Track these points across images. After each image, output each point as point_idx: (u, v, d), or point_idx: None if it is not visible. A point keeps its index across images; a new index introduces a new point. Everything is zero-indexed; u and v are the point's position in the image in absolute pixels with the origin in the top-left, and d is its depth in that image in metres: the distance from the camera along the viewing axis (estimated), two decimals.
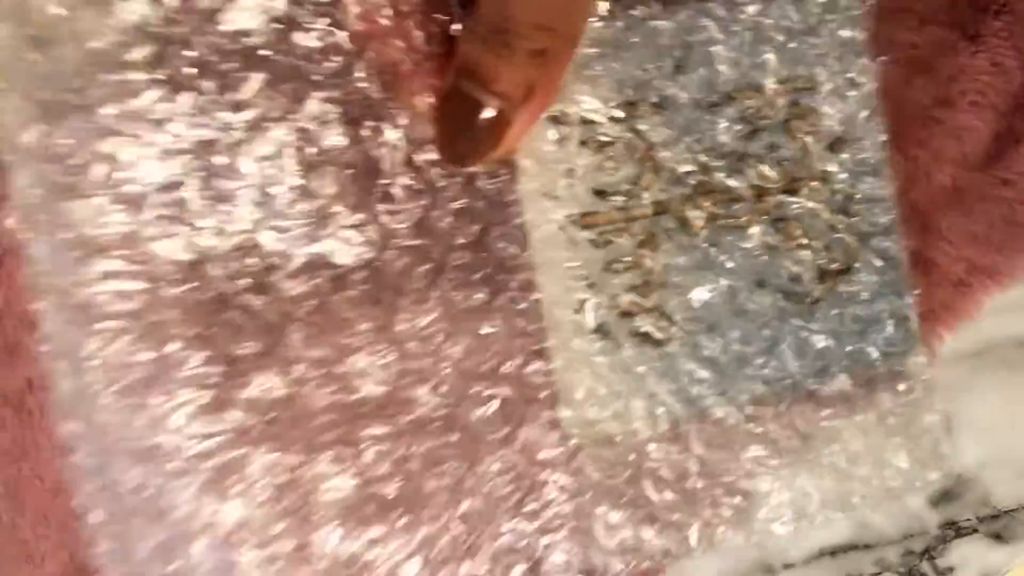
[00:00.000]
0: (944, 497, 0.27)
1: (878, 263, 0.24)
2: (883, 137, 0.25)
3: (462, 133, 0.19)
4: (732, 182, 0.23)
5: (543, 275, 0.22)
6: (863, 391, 0.24)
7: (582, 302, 0.23)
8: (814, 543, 0.28)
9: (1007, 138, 0.26)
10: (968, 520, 0.27)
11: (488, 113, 0.19)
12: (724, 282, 0.23)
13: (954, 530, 0.27)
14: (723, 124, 0.23)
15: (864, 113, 0.25)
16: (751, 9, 0.23)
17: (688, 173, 0.23)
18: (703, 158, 0.23)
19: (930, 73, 0.27)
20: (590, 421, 0.23)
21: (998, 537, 0.27)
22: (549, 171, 0.22)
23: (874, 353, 0.24)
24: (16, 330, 0.34)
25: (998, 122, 0.26)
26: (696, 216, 0.23)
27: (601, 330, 0.23)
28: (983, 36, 0.26)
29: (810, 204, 0.24)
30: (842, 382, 0.24)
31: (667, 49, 0.23)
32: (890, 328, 0.24)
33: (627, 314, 0.23)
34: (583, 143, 0.22)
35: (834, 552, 0.28)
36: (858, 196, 0.24)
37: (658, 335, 0.23)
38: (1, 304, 0.35)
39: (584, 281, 0.23)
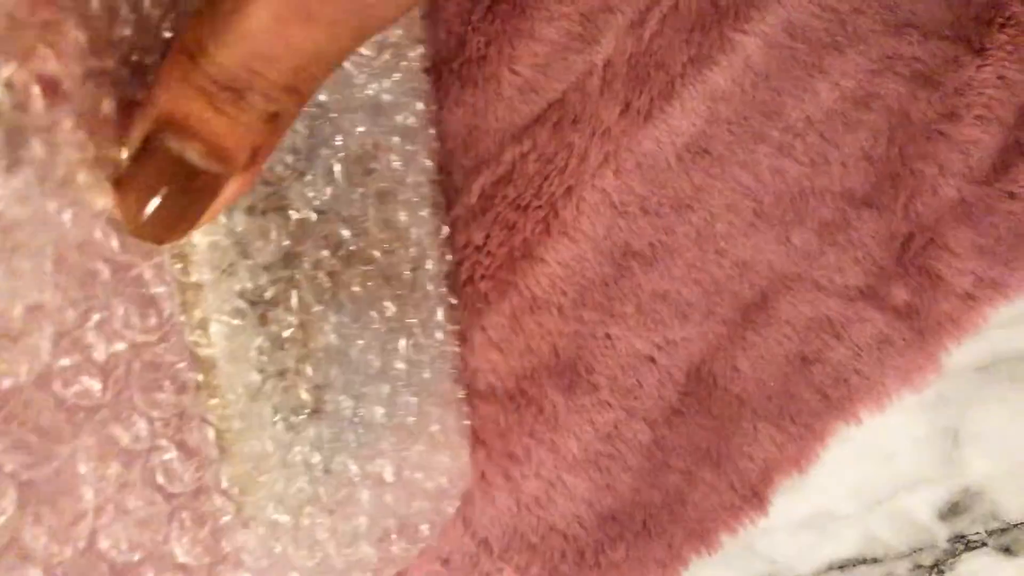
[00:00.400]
0: (952, 510, 0.27)
1: None
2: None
3: (164, 199, 0.16)
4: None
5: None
6: None
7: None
8: (823, 557, 0.28)
9: (1014, 151, 0.26)
10: (977, 534, 0.27)
11: (202, 178, 0.16)
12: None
13: (963, 543, 0.27)
14: None
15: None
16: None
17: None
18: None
19: (935, 87, 0.27)
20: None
21: (1007, 550, 0.27)
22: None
23: None
24: None
25: (1004, 135, 0.26)
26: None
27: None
28: (988, 50, 0.26)
29: None
30: None
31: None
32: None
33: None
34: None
35: (843, 566, 0.28)
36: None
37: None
38: None
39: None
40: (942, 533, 0.27)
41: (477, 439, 0.30)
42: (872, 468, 0.28)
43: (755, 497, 0.28)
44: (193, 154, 0.16)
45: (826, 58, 0.27)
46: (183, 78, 0.15)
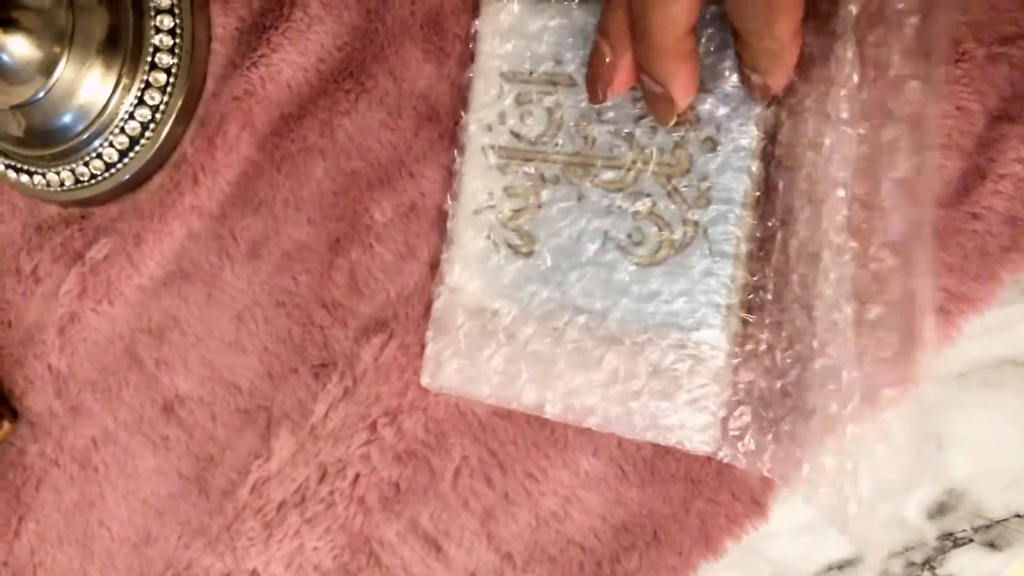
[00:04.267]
0: (939, 510, 0.29)
1: (707, 250, 0.28)
2: (751, 143, 0.28)
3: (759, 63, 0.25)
4: (617, 155, 0.29)
5: (465, 176, 0.32)
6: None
7: (480, 207, 0.31)
8: (823, 559, 0.30)
9: (974, 175, 0.28)
10: (964, 531, 0.29)
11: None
12: (579, 227, 0.30)
13: (951, 541, 0.29)
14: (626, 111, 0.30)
15: (739, 121, 0.28)
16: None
17: (586, 139, 0.30)
18: (597, 131, 0.30)
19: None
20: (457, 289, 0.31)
21: (992, 545, 0.29)
22: (486, 111, 0.31)
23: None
24: (80, 392, 0.38)
25: (964, 161, 0.28)
26: (576, 172, 0.30)
27: (487, 231, 0.31)
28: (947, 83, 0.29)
29: (670, 189, 0.29)
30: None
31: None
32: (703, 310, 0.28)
33: (505, 226, 0.31)
34: (516, 98, 0.31)
35: (842, 566, 0.30)
36: (714, 194, 0.28)
37: (523, 249, 0.31)
38: (65, 369, 0.38)
39: (486, 192, 0.31)
40: (931, 532, 0.29)
41: (498, 461, 0.33)
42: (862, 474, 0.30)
43: (755, 504, 0.30)
44: (762, 43, 0.24)
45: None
46: None
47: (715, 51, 0.28)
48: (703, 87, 0.28)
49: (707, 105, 0.28)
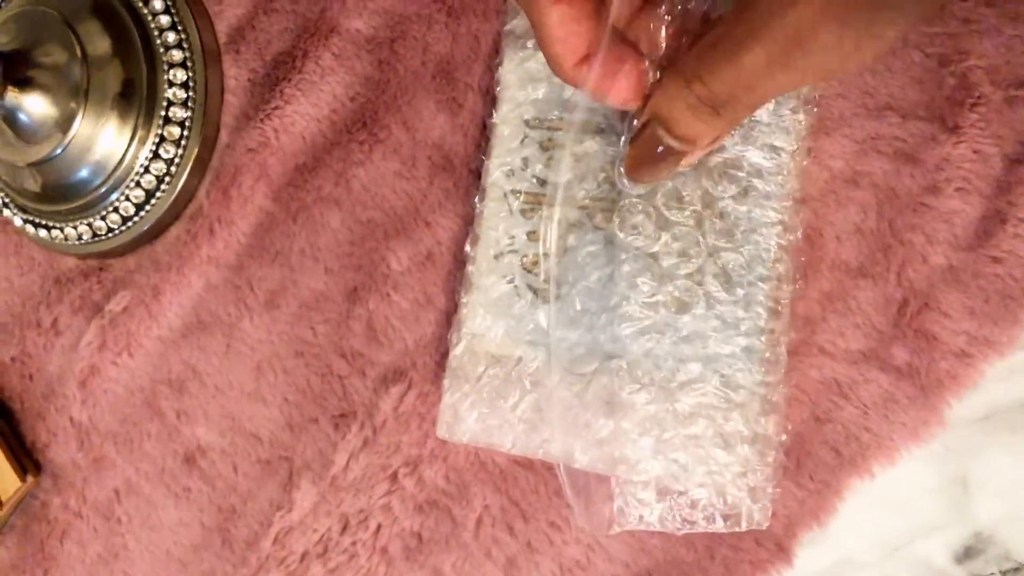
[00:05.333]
0: (967, 553, 0.29)
1: (739, 298, 0.28)
2: (780, 204, 0.28)
3: (645, 165, 0.24)
4: (646, 200, 0.29)
5: (486, 221, 0.31)
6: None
7: (501, 251, 0.31)
8: None
9: (994, 219, 0.28)
10: (992, 574, 0.29)
11: (673, 152, 0.23)
12: (608, 271, 0.30)
13: None
14: None
15: (770, 168, 0.28)
16: None
17: (612, 185, 0.30)
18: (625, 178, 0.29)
19: (917, 164, 0.29)
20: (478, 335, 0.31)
21: None
22: (510, 157, 0.31)
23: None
24: (102, 444, 0.38)
25: (984, 205, 0.28)
26: (604, 217, 0.30)
27: (510, 276, 0.31)
28: (962, 127, 0.29)
29: (700, 234, 0.29)
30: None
31: None
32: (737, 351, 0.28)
33: (530, 271, 0.31)
34: (541, 144, 0.31)
35: None
36: (745, 239, 0.28)
37: (548, 293, 0.30)
38: (87, 421, 0.38)
39: (508, 236, 0.31)
40: None
41: (520, 510, 0.33)
42: (889, 518, 0.30)
43: (780, 550, 0.30)
44: (670, 140, 0.23)
45: (815, 142, 0.30)
46: (675, 95, 0.21)
47: None
48: (736, 138, 0.28)
49: (738, 154, 0.28)
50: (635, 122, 0.24)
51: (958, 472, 0.29)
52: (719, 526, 0.28)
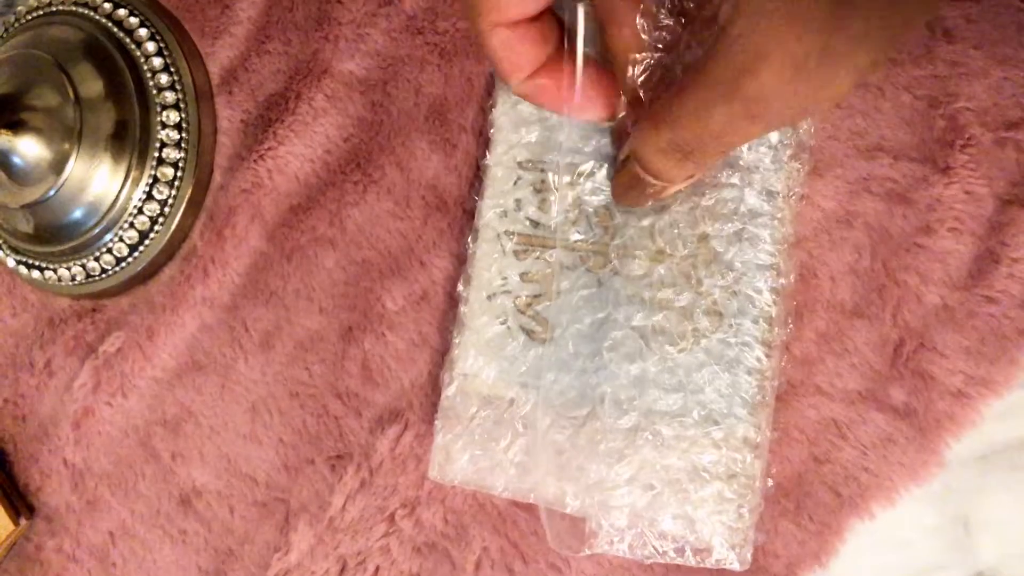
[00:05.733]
0: None
1: (728, 336, 0.28)
2: (775, 246, 0.28)
3: (629, 193, 0.26)
4: (640, 245, 0.30)
5: (479, 262, 0.31)
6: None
7: (494, 292, 0.31)
8: None
9: (987, 259, 0.28)
10: None
11: (651, 186, 0.25)
12: (601, 315, 0.29)
13: None
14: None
15: (763, 216, 0.28)
16: None
17: (605, 229, 0.30)
18: (618, 219, 0.30)
19: (909, 204, 0.29)
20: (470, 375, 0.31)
21: None
22: (503, 198, 0.31)
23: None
24: (96, 486, 0.38)
25: (977, 245, 0.28)
26: (596, 262, 0.30)
27: (503, 317, 0.31)
28: (953, 168, 0.29)
29: (694, 280, 0.29)
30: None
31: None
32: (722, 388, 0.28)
33: (523, 313, 0.31)
34: (535, 186, 0.31)
35: None
36: (738, 285, 0.28)
37: (541, 336, 0.30)
38: (81, 463, 0.38)
39: (501, 277, 0.31)
40: None
41: (519, 552, 0.32)
42: (890, 559, 0.30)
43: None
44: (647, 176, 0.24)
45: (808, 183, 0.30)
46: (647, 139, 0.23)
47: (720, 163, 0.28)
48: (735, 179, 0.28)
49: (735, 195, 0.28)
50: (619, 155, 0.26)
51: (959, 512, 0.29)
52: (688, 559, 0.28)
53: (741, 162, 0.28)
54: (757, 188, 0.28)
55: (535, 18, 0.22)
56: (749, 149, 0.28)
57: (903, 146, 0.29)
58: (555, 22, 0.23)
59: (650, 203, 0.28)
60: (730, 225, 0.28)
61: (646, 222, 0.29)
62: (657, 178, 0.24)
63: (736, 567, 0.28)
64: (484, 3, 0.21)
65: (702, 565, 0.28)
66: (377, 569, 0.34)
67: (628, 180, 0.25)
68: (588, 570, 0.32)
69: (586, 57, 0.24)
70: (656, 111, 0.22)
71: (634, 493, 0.29)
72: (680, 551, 0.28)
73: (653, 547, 0.29)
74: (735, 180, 0.29)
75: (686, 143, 0.21)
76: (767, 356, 0.28)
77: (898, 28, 0.17)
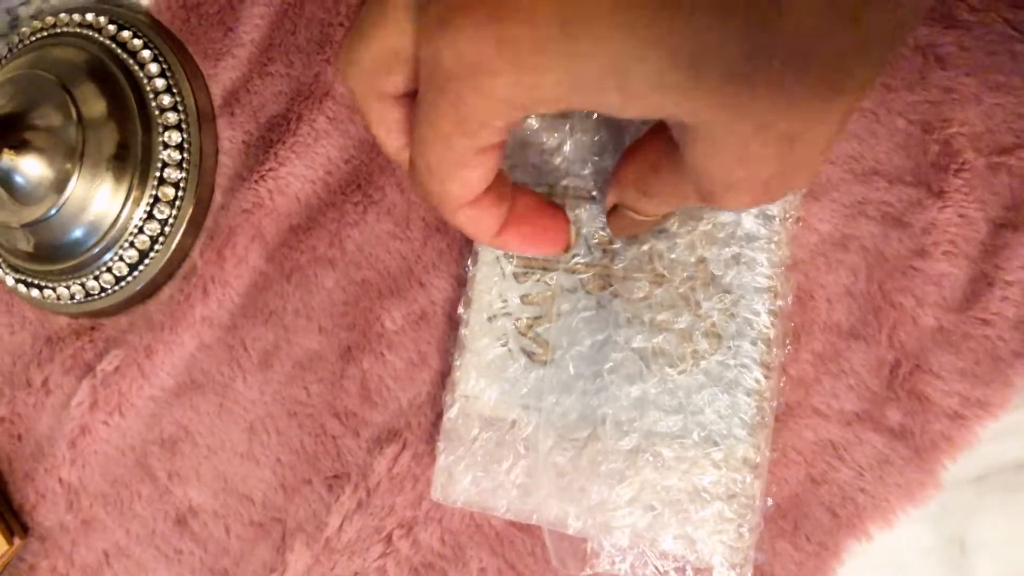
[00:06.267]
0: None
1: (727, 358, 0.29)
2: (772, 269, 0.29)
3: (626, 230, 0.27)
4: (639, 267, 0.30)
5: (479, 284, 0.32)
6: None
7: (495, 315, 0.31)
8: None
9: (981, 282, 0.29)
10: None
11: (639, 222, 0.26)
12: (601, 337, 0.30)
13: None
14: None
15: (760, 239, 0.29)
16: None
17: (604, 251, 0.30)
18: (618, 242, 0.30)
19: (904, 227, 0.30)
20: (471, 397, 0.31)
21: None
22: None
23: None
24: (91, 505, 0.38)
25: (971, 268, 0.29)
26: (596, 284, 0.30)
27: (503, 339, 0.31)
28: (947, 192, 0.29)
29: (693, 302, 0.29)
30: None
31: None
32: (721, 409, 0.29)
33: (524, 334, 0.31)
34: None
35: None
36: (736, 307, 0.29)
37: (542, 358, 0.30)
38: (76, 482, 0.38)
39: (501, 300, 0.31)
40: None
41: (517, 573, 0.32)
42: None
43: None
44: (634, 216, 0.25)
45: (804, 206, 0.30)
46: (626, 193, 0.24)
47: None
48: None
49: (729, 222, 0.29)
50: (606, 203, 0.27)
51: (955, 533, 0.29)
52: None
53: None
54: (754, 212, 0.29)
55: (490, 187, 0.22)
56: None
57: (898, 170, 0.30)
58: (504, 178, 0.23)
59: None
60: (728, 249, 0.29)
61: (645, 246, 0.30)
62: (644, 215, 0.25)
63: None
64: (440, 196, 0.21)
65: None
66: None
67: (621, 221, 0.26)
68: None
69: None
70: (633, 176, 0.24)
71: (635, 514, 0.29)
72: (681, 571, 0.28)
73: (655, 567, 0.29)
74: None
75: (662, 198, 0.23)
76: (766, 377, 0.28)
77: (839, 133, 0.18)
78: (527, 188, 0.25)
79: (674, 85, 0.16)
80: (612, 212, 0.26)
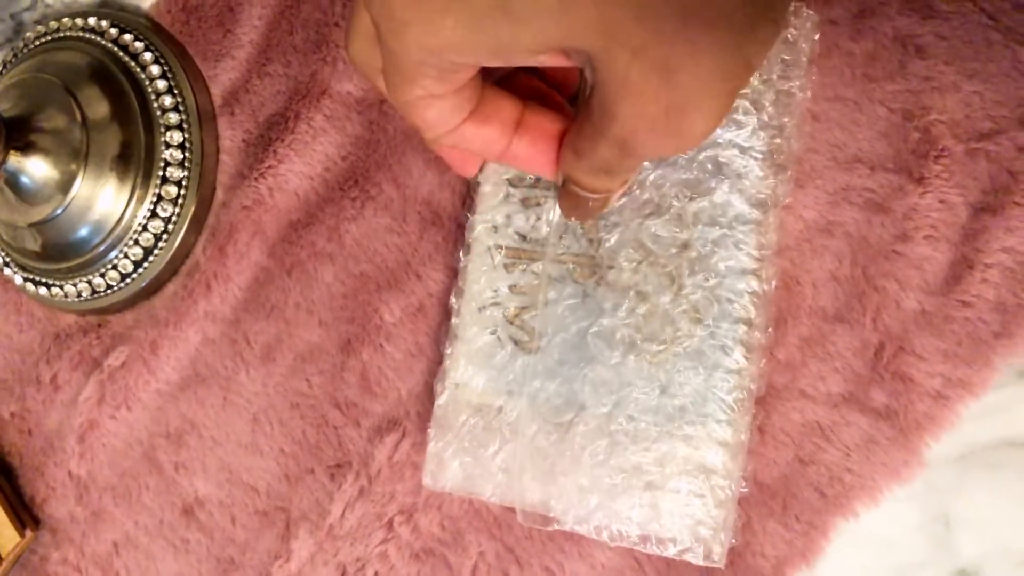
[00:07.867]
0: None
1: (708, 337, 0.29)
2: (759, 252, 0.29)
3: (576, 210, 0.27)
4: (624, 256, 0.31)
5: (470, 275, 0.33)
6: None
7: (485, 304, 0.32)
8: None
9: (961, 265, 0.29)
10: None
11: (591, 200, 0.26)
12: (586, 324, 0.31)
13: None
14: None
15: (743, 224, 0.29)
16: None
17: (591, 241, 0.31)
18: (604, 234, 0.31)
19: (887, 213, 0.30)
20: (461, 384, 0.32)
21: None
22: (492, 213, 0.33)
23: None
24: (100, 498, 0.38)
25: (952, 251, 0.30)
26: (583, 272, 0.31)
27: (493, 328, 0.32)
28: (927, 178, 0.30)
29: (676, 288, 0.30)
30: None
31: None
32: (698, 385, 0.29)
33: (512, 323, 0.32)
34: (523, 201, 0.32)
35: None
36: (720, 292, 0.29)
37: (529, 345, 0.31)
38: (85, 475, 0.39)
39: (491, 290, 0.32)
40: None
41: (514, 556, 0.33)
42: (874, 558, 0.30)
43: None
44: (584, 193, 0.25)
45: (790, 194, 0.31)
46: (571, 164, 0.24)
47: (712, 168, 0.29)
48: (725, 187, 0.29)
49: (720, 203, 0.29)
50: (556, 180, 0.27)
51: (940, 510, 0.30)
52: (652, 547, 0.29)
53: (728, 169, 0.30)
54: (745, 195, 0.29)
55: (478, 109, 0.23)
56: (741, 155, 0.30)
57: (880, 157, 0.30)
58: (501, 98, 0.24)
59: (598, 216, 0.29)
60: (715, 230, 0.30)
61: (630, 233, 0.30)
62: (594, 193, 0.25)
63: (699, 560, 0.28)
64: (422, 127, 0.23)
65: (665, 554, 0.29)
66: (376, 575, 0.34)
67: (570, 200, 0.27)
68: (582, 573, 0.32)
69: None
70: (569, 139, 0.24)
71: (617, 497, 0.30)
72: (645, 538, 0.29)
73: (618, 530, 0.29)
74: (724, 187, 0.30)
75: (603, 163, 0.23)
76: (746, 359, 0.29)
77: (738, 78, 0.19)
78: (537, 105, 0.25)
79: (548, 7, 0.17)
80: (561, 190, 0.27)
